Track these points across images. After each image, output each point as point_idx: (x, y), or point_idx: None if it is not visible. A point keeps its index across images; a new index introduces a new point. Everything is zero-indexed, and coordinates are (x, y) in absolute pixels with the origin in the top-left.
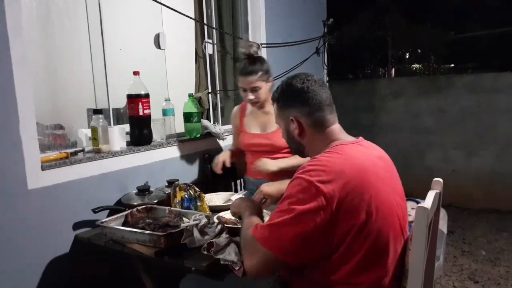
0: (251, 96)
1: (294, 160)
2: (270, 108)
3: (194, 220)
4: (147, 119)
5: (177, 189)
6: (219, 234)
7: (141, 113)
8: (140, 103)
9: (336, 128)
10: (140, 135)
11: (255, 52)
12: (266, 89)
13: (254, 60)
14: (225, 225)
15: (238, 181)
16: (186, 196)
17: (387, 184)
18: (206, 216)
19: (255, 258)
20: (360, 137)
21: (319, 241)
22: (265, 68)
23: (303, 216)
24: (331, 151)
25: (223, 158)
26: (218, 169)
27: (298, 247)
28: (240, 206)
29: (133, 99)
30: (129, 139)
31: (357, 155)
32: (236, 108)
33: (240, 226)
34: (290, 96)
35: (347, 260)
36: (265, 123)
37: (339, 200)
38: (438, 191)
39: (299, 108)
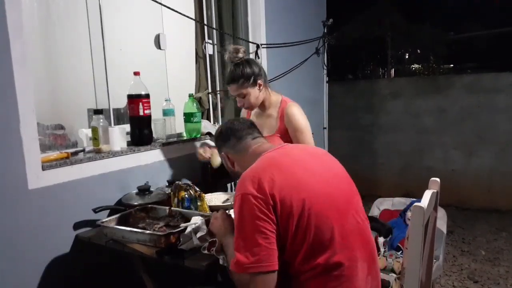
0: (240, 103)
1: None
2: (273, 110)
3: (191, 226)
4: (147, 119)
5: (177, 189)
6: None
7: (141, 113)
8: (140, 103)
9: (261, 145)
10: (141, 135)
11: (239, 58)
12: (255, 93)
13: (237, 67)
14: None
15: (228, 185)
16: (186, 196)
17: (319, 173)
18: (206, 217)
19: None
20: (286, 144)
21: (275, 235)
22: (247, 73)
23: (256, 222)
24: (258, 161)
25: (204, 153)
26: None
27: (272, 249)
28: (220, 231)
29: (133, 99)
30: (129, 139)
31: (280, 157)
32: (242, 111)
33: None
34: (222, 138)
35: (296, 253)
36: (262, 125)
37: (273, 196)
38: (435, 190)
39: (228, 143)
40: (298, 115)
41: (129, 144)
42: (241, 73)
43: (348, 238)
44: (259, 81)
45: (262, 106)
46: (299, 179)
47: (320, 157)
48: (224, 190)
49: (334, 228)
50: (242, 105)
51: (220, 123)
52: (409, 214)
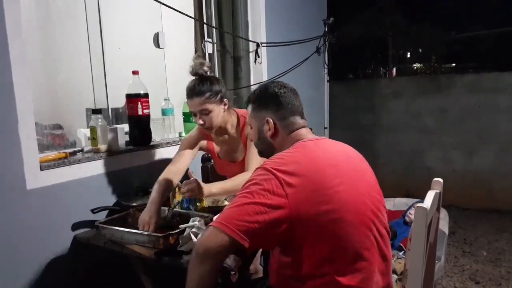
0: (200, 121)
1: (228, 183)
2: (235, 133)
3: (189, 227)
4: (146, 118)
5: (177, 189)
6: None
7: (140, 112)
8: (139, 103)
9: (304, 131)
10: (139, 135)
11: (205, 71)
12: (219, 112)
13: (204, 80)
14: None
15: None
16: None
17: (349, 175)
18: (205, 218)
19: (211, 239)
20: (325, 137)
21: (278, 233)
22: (215, 89)
23: (264, 207)
24: (294, 147)
25: (148, 221)
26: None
27: (258, 232)
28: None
29: (132, 98)
30: (128, 139)
31: (315, 149)
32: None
33: None
34: (267, 98)
35: (312, 255)
36: (232, 151)
37: (298, 201)
38: (438, 191)
39: (275, 110)
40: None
41: (128, 144)
42: (210, 86)
43: (370, 251)
44: (225, 100)
45: (224, 130)
46: (329, 183)
47: (354, 161)
48: None
49: (356, 240)
50: (202, 123)
51: None
52: (410, 215)
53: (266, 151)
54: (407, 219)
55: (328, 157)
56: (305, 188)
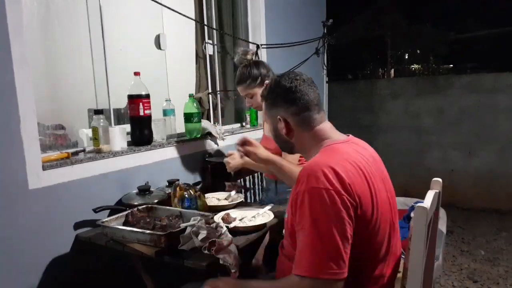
0: (248, 103)
1: (285, 164)
2: None
3: (190, 226)
4: (147, 119)
5: (177, 189)
6: (221, 234)
7: (141, 113)
8: (140, 103)
9: (326, 126)
10: (141, 135)
11: (247, 60)
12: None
13: (245, 68)
14: (227, 225)
15: (249, 178)
16: (186, 196)
17: (378, 182)
18: (205, 217)
19: None
20: (350, 135)
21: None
22: (254, 74)
23: (340, 223)
24: (326, 150)
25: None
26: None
27: (344, 253)
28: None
29: (133, 99)
30: (129, 139)
31: (354, 154)
32: None
33: (243, 226)
34: (278, 95)
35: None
36: None
37: (357, 197)
38: (437, 190)
39: (286, 107)
40: None
41: (129, 144)
42: (249, 74)
43: (395, 253)
44: (266, 82)
45: None
46: (372, 183)
47: (381, 166)
48: (224, 190)
49: (386, 242)
50: (250, 105)
51: (220, 124)
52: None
53: (285, 148)
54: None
55: (365, 164)
56: (360, 185)
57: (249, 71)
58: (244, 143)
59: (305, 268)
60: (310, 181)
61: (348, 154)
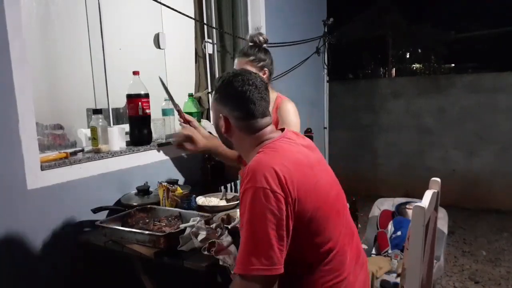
0: None
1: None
2: (273, 96)
3: (190, 226)
4: (146, 119)
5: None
6: (221, 234)
7: (140, 113)
8: (139, 103)
9: (266, 130)
10: (140, 135)
11: (259, 40)
12: (264, 76)
13: (254, 46)
14: (227, 226)
15: (228, 185)
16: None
17: (319, 170)
18: (205, 217)
19: None
20: (285, 129)
21: (287, 237)
22: (260, 57)
23: (273, 223)
24: (265, 149)
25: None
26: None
27: (279, 251)
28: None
29: (132, 99)
30: (128, 139)
31: (291, 149)
32: None
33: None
34: (227, 95)
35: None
36: None
37: (292, 194)
38: (435, 190)
39: (231, 109)
40: (291, 111)
41: (128, 144)
42: (255, 53)
43: (344, 241)
44: (265, 69)
45: None
46: (314, 181)
47: (318, 155)
48: (225, 190)
49: (333, 234)
50: None
51: None
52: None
53: (224, 143)
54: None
55: (303, 156)
56: (299, 182)
57: (257, 51)
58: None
59: (240, 265)
60: (250, 180)
61: (286, 151)
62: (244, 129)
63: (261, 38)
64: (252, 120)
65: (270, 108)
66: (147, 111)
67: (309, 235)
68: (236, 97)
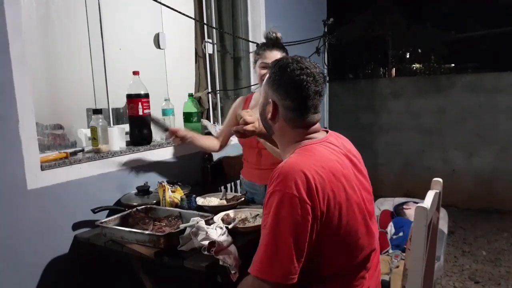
0: (262, 72)
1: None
2: None
3: (190, 226)
4: (147, 119)
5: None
6: (221, 234)
7: (140, 113)
8: (140, 103)
9: (313, 128)
10: (140, 135)
11: (279, 37)
12: None
13: (277, 45)
14: (227, 226)
15: (228, 185)
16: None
17: (354, 182)
18: (205, 217)
19: None
20: (329, 131)
21: (308, 248)
22: (286, 50)
23: (296, 234)
24: (301, 151)
25: (182, 133)
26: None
27: (297, 261)
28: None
29: (132, 99)
30: (128, 139)
31: (328, 156)
32: (240, 99)
33: (243, 226)
34: (281, 80)
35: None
36: None
37: (322, 205)
38: (437, 191)
39: (283, 97)
40: None
41: (128, 144)
42: (283, 47)
43: (365, 257)
44: None
45: None
46: (346, 195)
47: (358, 165)
48: (224, 190)
49: (356, 251)
50: (263, 75)
51: (220, 123)
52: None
53: (265, 127)
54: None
55: (340, 165)
56: (331, 192)
57: (283, 46)
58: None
59: (257, 267)
60: (280, 183)
61: (323, 157)
62: (291, 121)
63: (278, 34)
64: (302, 114)
65: None
66: (147, 111)
67: (332, 249)
68: (290, 85)
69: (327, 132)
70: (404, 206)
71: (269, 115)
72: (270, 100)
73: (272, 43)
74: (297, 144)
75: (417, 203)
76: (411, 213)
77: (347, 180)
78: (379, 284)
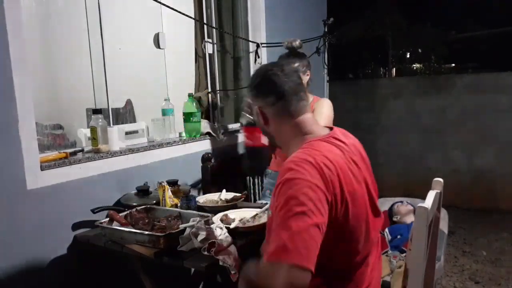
0: None
1: None
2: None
3: (190, 227)
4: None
5: (166, 187)
6: (221, 235)
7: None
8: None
9: (306, 118)
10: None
11: (297, 46)
12: (304, 81)
13: (295, 53)
14: (227, 226)
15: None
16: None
17: (360, 177)
18: (205, 217)
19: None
20: (334, 128)
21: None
22: (304, 62)
23: (308, 217)
24: (308, 147)
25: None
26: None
27: (316, 246)
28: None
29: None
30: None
31: (335, 152)
32: None
33: (242, 226)
34: (256, 86)
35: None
36: None
37: (334, 194)
38: (438, 191)
39: (262, 98)
40: (326, 105)
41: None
42: (300, 59)
43: (371, 246)
44: (308, 72)
45: None
46: (353, 190)
47: (363, 161)
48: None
49: (358, 248)
50: None
51: (220, 123)
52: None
53: (269, 139)
54: (395, 219)
55: (345, 163)
56: (342, 182)
57: (301, 57)
58: None
59: (272, 252)
60: (291, 172)
61: (331, 153)
62: (279, 115)
63: (297, 43)
64: (283, 102)
65: None
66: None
67: (336, 243)
68: (263, 82)
69: (331, 129)
70: (398, 204)
71: (262, 122)
72: (255, 109)
73: (289, 52)
74: (299, 140)
75: (409, 202)
76: (400, 209)
77: (354, 174)
78: (379, 281)
